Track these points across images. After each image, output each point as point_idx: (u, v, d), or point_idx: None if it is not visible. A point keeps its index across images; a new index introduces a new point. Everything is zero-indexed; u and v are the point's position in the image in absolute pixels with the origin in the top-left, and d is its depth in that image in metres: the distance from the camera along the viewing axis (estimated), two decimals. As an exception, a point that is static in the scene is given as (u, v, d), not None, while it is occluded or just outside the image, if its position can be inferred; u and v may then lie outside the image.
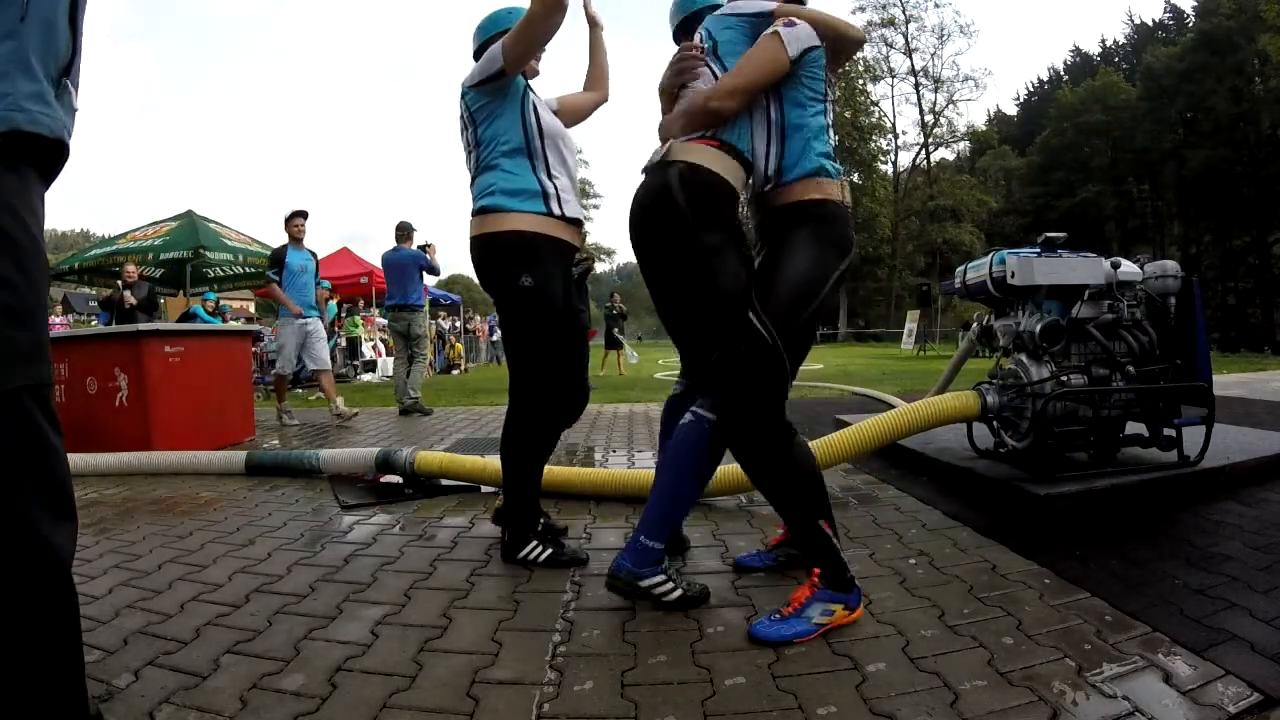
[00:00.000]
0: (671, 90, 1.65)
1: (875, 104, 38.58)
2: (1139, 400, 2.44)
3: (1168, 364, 2.50)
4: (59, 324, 10.59)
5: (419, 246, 6.06)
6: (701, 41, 1.65)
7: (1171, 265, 2.61)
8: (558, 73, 2.40)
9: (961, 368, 3.61)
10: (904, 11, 36.73)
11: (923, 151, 39.31)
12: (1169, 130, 34.27)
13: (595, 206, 43.54)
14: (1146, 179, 36.65)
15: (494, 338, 18.23)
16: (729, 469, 2.40)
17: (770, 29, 1.52)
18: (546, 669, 1.31)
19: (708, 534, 2.13)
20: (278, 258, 5.26)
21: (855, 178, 36.36)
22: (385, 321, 9.85)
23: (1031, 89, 50.44)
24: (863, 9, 36.77)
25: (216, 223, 8.54)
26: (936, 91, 37.63)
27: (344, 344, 11.85)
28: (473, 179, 1.92)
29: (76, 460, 3.28)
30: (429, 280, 6.36)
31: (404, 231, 5.92)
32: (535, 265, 1.81)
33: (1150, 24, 41.41)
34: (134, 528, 2.34)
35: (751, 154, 1.58)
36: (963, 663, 1.29)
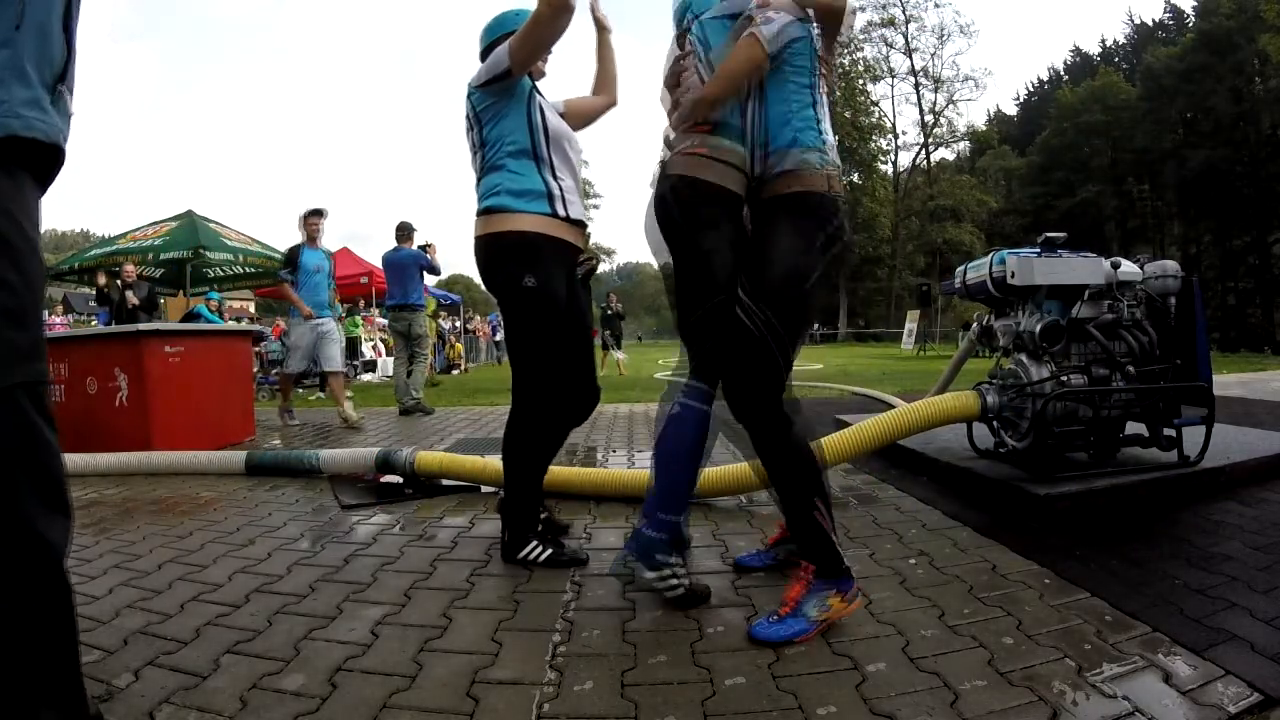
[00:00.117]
0: (672, 90, 1.68)
1: (875, 104, 38.63)
2: (1139, 400, 2.44)
3: (1168, 364, 2.50)
4: (59, 324, 10.59)
5: (419, 246, 6.06)
6: (692, 45, 1.65)
7: (1171, 265, 2.61)
8: (565, 75, 2.40)
9: (961, 368, 3.61)
10: (904, 11, 36.78)
11: (923, 151, 39.37)
12: (1169, 130, 34.29)
13: (595, 207, 43.53)
14: (1146, 179, 36.67)
15: (497, 337, 18.24)
16: (729, 469, 2.40)
17: (747, 30, 1.52)
18: (546, 669, 1.31)
19: (708, 534, 2.13)
20: (291, 257, 5.17)
21: (855, 178, 36.38)
22: (385, 321, 9.87)
23: (1031, 89, 50.49)
24: (863, 9, 36.73)
25: (216, 223, 8.54)
26: (936, 91, 37.70)
27: (343, 344, 11.85)
28: (478, 179, 1.92)
29: (76, 460, 3.28)
30: (429, 280, 6.36)
31: (404, 232, 5.92)
32: (539, 266, 1.81)
33: (1150, 24, 41.46)
34: (134, 528, 2.34)
35: (744, 145, 1.58)
36: (963, 663, 1.29)
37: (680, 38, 1.74)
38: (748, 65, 1.50)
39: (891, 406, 3.51)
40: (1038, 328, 2.38)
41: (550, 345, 1.87)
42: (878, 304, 40.69)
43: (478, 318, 20.89)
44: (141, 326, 4.08)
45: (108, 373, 3.82)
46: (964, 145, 41.46)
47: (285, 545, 2.10)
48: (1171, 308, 2.58)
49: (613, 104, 2.22)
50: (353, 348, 12.19)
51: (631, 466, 3.22)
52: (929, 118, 38.28)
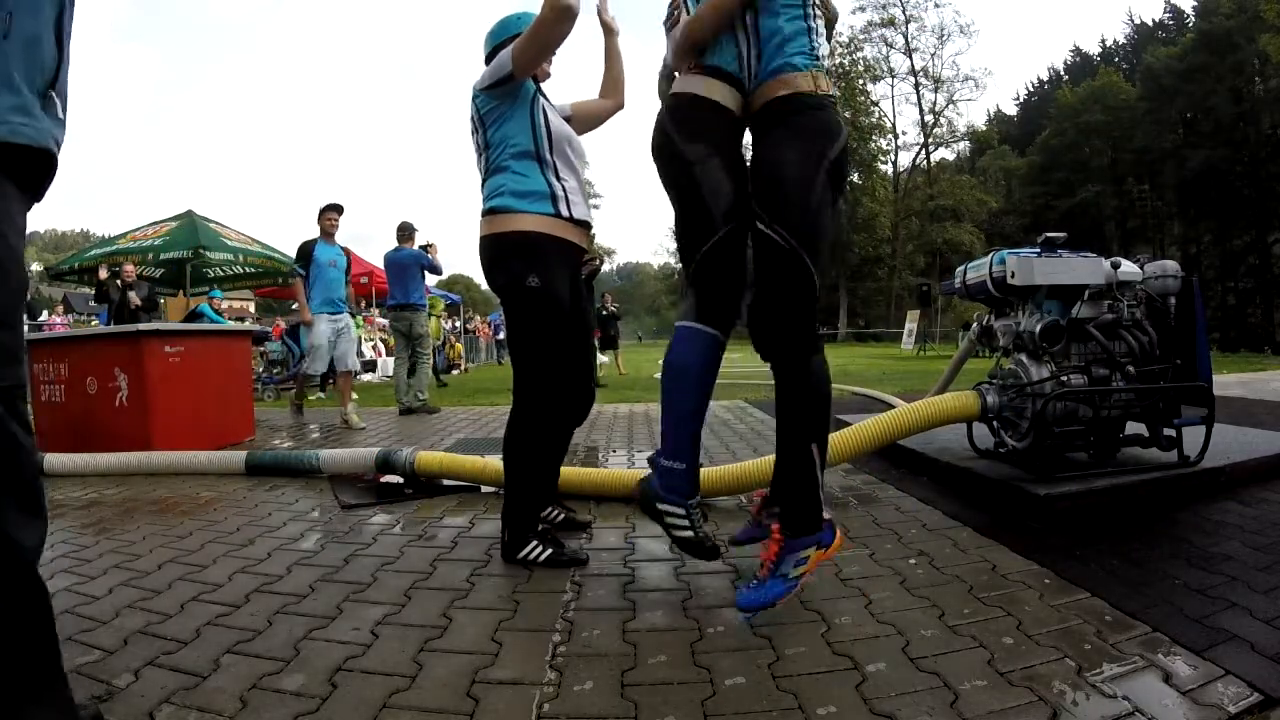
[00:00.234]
0: (669, 33, 1.72)
1: (875, 104, 38.63)
2: (1139, 400, 2.44)
3: (1168, 364, 2.50)
4: (59, 324, 10.58)
5: (421, 246, 6.07)
6: None
7: (1171, 265, 2.61)
8: (572, 78, 2.40)
9: (961, 368, 3.61)
10: (904, 11, 36.78)
11: (923, 151, 39.36)
12: (1169, 130, 34.30)
13: (596, 207, 43.58)
14: (1146, 179, 36.68)
15: (499, 336, 18.24)
16: (729, 469, 2.40)
17: None
18: (546, 669, 1.31)
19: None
20: (305, 252, 5.05)
21: (855, 178, 36.34)
22: (384, 321, 9.87)
23: (1031, 89, 50.59)
24: (863, 9, 36.81)
25: (216, 223, 8.54)
26: (936, 91, 37.69)
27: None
28: (483, 181, 1.94)
29: (77, 460, 3.28)
30: (430, 280, 6.37)
31: (405, 232, 5.93)
32: (541, 266, 1.83)
33: (1150, 24, 41.52)
34: (134, 528, 2.34)
35: (738, 68, 1.58)
36: (963, 663, 1.29)
37: None
38: None
39: (891, 406, 3.51)
40: (1038, 328, 2.38)
41: (551, 345, 1.87)
42: (878, 304, 40.68)
43: (478, 318, 20.89)
44: (142, 326, 4.08)
45: (108, 373, 3.82)
46: (964, 145, 41.49)
47: (285, 545, 2.10)
48: (1171, 308, 2.58)
49: (620, 107, 2.23)
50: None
51: (632, 466, 3.22)
52: (929, 118, 38.32)
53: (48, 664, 0.96)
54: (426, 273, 6.01)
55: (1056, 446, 2.40)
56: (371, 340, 12.62)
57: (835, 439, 2.46)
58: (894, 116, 43.08)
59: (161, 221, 8.36)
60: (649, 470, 1.65)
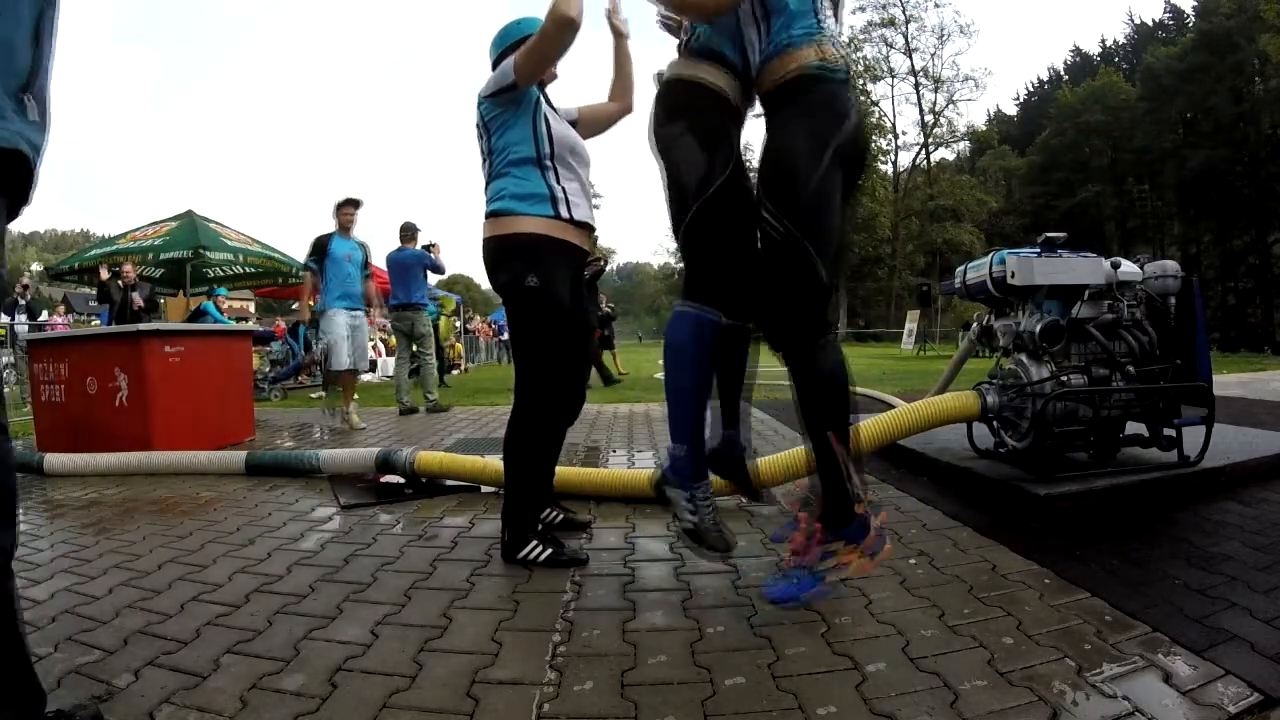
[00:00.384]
0: None
1: (875, 104, 38.57)
2: (1139, 400, 2.43)
3: (1168, 364, 2.50)
4: (60, 324, 10.59)
5: (423, 246, 6.08)
6: None
7: (1171, 265, 2.61)
8: (576, 79, 2.40)
9: (961, 368, 3.61)
10: (904, 11, 36.73)
11: (923, 151, 39.32)
12: (1169, 130, 34.30)
13: (596, 207, 43.52)
14: (1146, 179, 36.68)
15: (503, 337, 18.24)
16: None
17: None
18: (546, 669, 1.31)
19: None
20: (320, 245, 4.89)
21: (855, 178, 36.25)
22: (385, 321, 9.86)
23: (1031, 89, 50.51)
24: (863, 9, 36.77)
25: (217, 223, 8.55)
26: (936, 91, 37.64)
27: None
28: (486, 184, 1.98)
29: (77, 460, 3.28)
30: (431, 279, 6.38)
31: (408, 232, 5.93)
32: (541, 266, 1.85)
33: (1150, 24, 41.47)
34: (134, 528, 2.34)
35: (741, 53, 1.58)
36: (963, 663, 1.29)
37: None
38: None
39: (891, 406, 3.51)
40: (1038, 328, 2.38)
41: (550, 344, 1.89)
42: (878, 304, 40.69)
43: (478, 318, 20.89)
44: (142, 326, 4.08)
45: (108, 373, 3.82)
46: (964, 145, 41.42)
47: (285, 545, 2.10)
48: (1171, 308, 2.58)
49: (628, 111, 2.24)
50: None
51: (632, 466, 3.22)
52: (929, 118, 38.27)
53: (16, 668, 0.96)
54: (430, 272, 6.02)
55: (1056, 446, 2.40)
56: (372, 340, 12.63)
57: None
58: (894, 116, 42.98)
59: (161, 221, 8.36)
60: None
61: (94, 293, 8.82)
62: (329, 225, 5.06)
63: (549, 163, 1.91)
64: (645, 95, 2.19)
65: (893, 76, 38.34)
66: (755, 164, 1.59)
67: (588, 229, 1.97)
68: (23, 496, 2.87)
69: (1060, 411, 2.33)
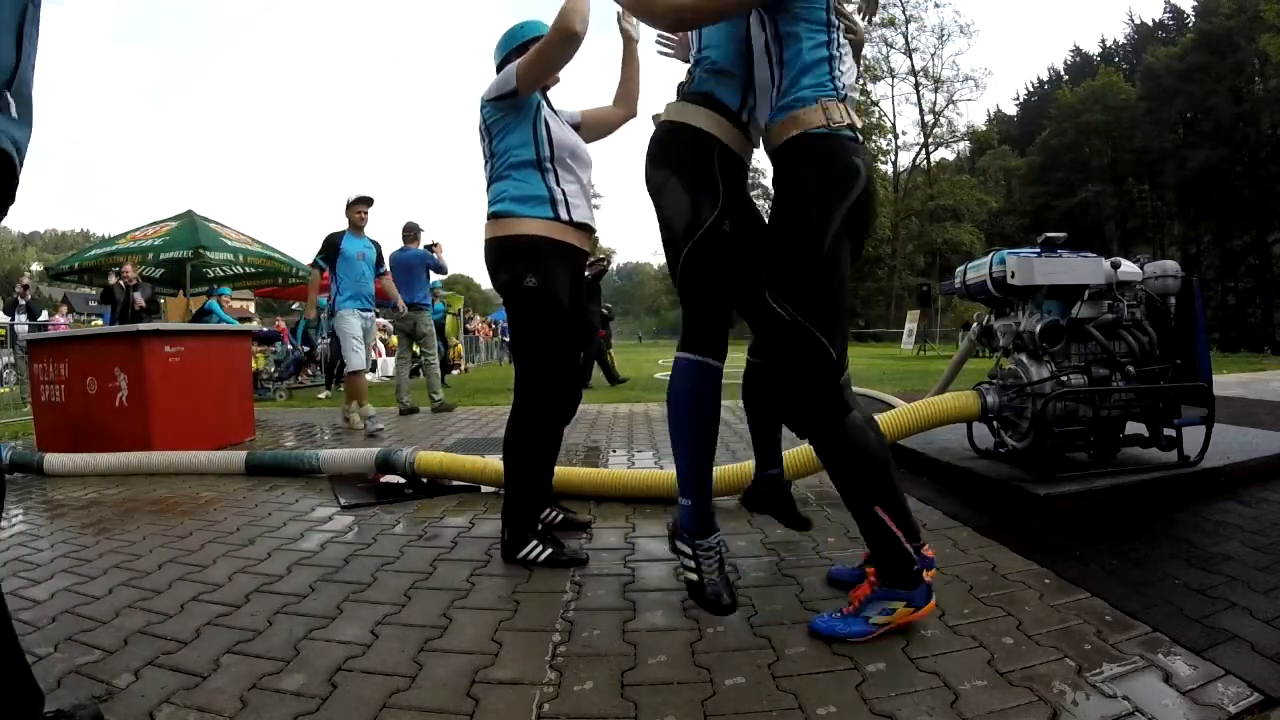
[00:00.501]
0: None
1: (875, 104, 38.59)
2: (1139, 400, 2.43)
3: (1168, 364, 2.50)
4: (61, 324, 10.59)
5: (426, 246, 6.08)
6: None
7: (1171, 265, 2.61)
8: (580, 81, 2.40)
9: (961, 368, 3.61)
10: (904, 11, 36.76)
11: (923, 151, 39.35)
12: (1169, 130, 34.31)
13: (596, 207, 43.57)
14: (1146, 179, 36.69)
15: (506, 337, 18.25)
16: (728, 469, 2.40)
17: None
18: (546, 669, 1.31)
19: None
20: (331, 244, 4.82)
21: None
22: (385, 321, 9.87)
23: (1031, 89, 50.55)
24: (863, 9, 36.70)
25: (217, 223, 8.53)
26: (936, 91, 37.68)
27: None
28: (487, 186, 1.99)
29: (77, 460, 3.28)
30: (432, 278, 6.39)
31: (411, 232, 5.94)
32: (541, 267, 1.86)
33: (1150, 24, 41.48)
34: (134, 528, 2.34)
35: (740, 94, 1.57)
36: (963, 663, 1.29)
37: None
38: None
39: (891, 406, 3.51)
40: (1038, 328, 2.38)
41: (549, 343, 1.91)
42: (878, 304, 40.68)
43: (478, 318, 20.89)
44: (142, 326, 4.08)
45: (108, 373, 3.81)
46: (964, 145, 41.46)
47: (285, 545, 2.10)
48: (1171, 308, 2.58)
49: (631, 116, 2.25)
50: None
51: (632, 466, 3.22)
52: (929, 118, 38.30)
53: (10, 668, 0.96)
54: (433, 272, 6.03)
55: (1056, 446, 2.40)
56: (372, 340, 12.64)
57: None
58: (894, 116, 43.07)
59: (161, 221, 8.34)
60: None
61: (95, 293, 8.82)
62: (333, 224, 5.05)
63: (549, 165, 1.93)
64: (649, 102, 2.20)
65: (893, 76, 38.39)
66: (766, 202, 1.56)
67: (588, 230, 1.99)
68: (23, 496, 2.88)
69: (1060, 411, 2.33)
